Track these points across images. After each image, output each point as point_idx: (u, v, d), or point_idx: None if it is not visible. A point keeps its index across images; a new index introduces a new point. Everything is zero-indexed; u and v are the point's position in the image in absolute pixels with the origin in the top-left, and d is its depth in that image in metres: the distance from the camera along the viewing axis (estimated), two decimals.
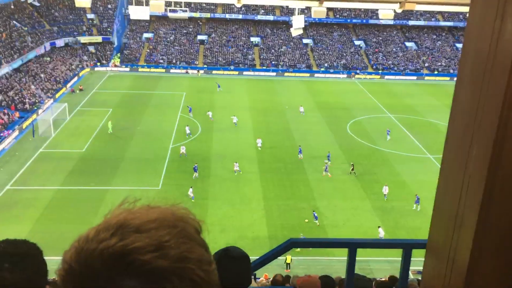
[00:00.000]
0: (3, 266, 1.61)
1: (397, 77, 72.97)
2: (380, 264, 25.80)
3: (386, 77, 72.88)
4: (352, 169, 38.27)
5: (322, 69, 74.11)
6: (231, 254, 2.65)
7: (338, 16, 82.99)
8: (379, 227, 29.94)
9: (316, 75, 72.49)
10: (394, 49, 79.78)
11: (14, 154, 40.76)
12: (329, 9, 69.00)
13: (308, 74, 72.41)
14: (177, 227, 0.90)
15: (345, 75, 72.70)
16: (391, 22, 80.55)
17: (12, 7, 66.64)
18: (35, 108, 50.81)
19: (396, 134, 47.82)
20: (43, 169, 37.77)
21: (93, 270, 0.83)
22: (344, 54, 77.79)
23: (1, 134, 43.37)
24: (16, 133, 44.39)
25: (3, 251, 1.64)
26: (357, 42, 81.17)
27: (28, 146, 42.30)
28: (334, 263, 25.59)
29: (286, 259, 25.27)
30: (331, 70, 73.64)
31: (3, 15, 63.46)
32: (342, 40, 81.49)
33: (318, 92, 63.21)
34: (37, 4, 72.37)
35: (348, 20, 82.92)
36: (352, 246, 2.93)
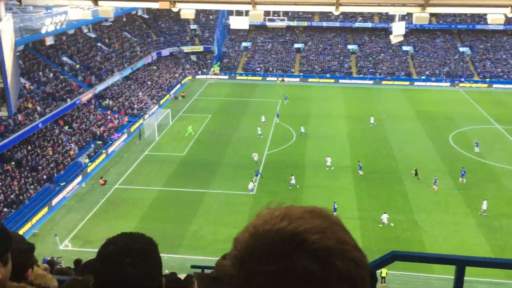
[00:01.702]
0: (125, 261, 1.61)
1: (508, 86, 67.72)
2: (484, 285, 24.13)
3: (495, 85, 68.00)
4: (416, 174, 37.31)
5: (423, 77, 71.03)
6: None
7: (441, 21, 79.16)
8: (384, 212, 30.96)
9: (416, 83, 69.65)
10: (504, 56, 74.22)
11: (123, 156, 43.90)
12: (432, 14, 66.07)
13: (407, 82, 69.78)
14: (331, 219, 1.03)
15: (448, 84, 69.04)
16: (501, 27, 74.95)
17: (124, 19, 72.03)
18: (142, 113, 54.37)
19: (505, 146, 44.47)
20: (148, 170, 40.24)
21: (271, 248, 0.95)
22: (448, 62, 73.90)
23: (112, 137, 46.97)
24: (125, 136, 47.81)
25: (125, 246, 1.65)
26: (462, 49, 76.72)
27: (135, 149, 45.34)
28: (433, 280, 24.41)
29: (381, 272, 24.51)
30: (433, 78, 70.33)
31: (116, 27, 68.80)
32: (446, 47, 77.51)
33: (418, 101, 60.69)
34: (146, 16, 77.59)
35: (453, 26, 78.71)
36: (461, 263, 2.70)
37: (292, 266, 0.92)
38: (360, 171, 38.57)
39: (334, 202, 32.10)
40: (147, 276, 1.65)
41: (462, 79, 69.55)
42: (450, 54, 75.73)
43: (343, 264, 0.94)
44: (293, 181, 36.80)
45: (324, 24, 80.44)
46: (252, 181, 36.49)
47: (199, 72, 73.48)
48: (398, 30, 42.66)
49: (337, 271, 0.93)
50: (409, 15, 59.37)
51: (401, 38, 48.92)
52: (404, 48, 77.10)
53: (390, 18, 74.22)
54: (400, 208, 33.40)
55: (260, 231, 0.99)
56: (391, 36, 46.64)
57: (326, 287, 0.92)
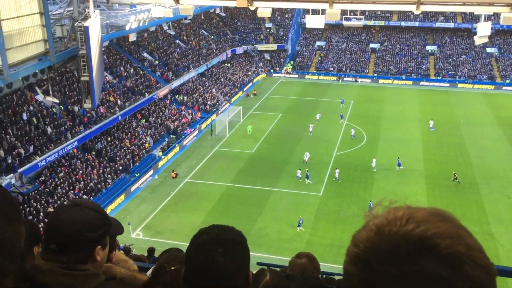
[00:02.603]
0: (217, 251, 1.69)
1: None
2: None
3: None
4: (455, 178, 36.42)
5: (508, 81, 66.82)
6: None
7: None
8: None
9: (500, 87, 65.66)
10: None
11: (194, 150, 45.25)
12: None
13: (490, 86, 65.98)
14: (456, 223, 1.00)
15: None
16: None
17: (202, 17, 74.02)
18: (214, 109, 55.67)
19: None
20: (217, 166, 41.19)
21: (399, 250, 0.93)
22: None
23: (185, 132, 48.53)
24: (197, 131, 49.22)
25: (217, 237, 1.74)
26: None
27: (206, 144, 46.57)
28: None
29: None
30: None
31: (194, 25, 70.88)
32: None
33: (500, 106, 57.24)
34: (223, 14, 79.26)
35: None
36: None
37: (422, 271, 0.90)
38: (398, 167, 39.05)
39: (370, 201, 32.25)
40: (237, 267, 1.72)
41: None
42: None
43: (474, 271, 0.92)
44: (336, 175, 37.46)
45: (403, 23, 77.91)
46: (300, 169, 37.93)
47: (272, 70, 73.92)
48: (483, 31, 40.38)
49: (468, 278, 0.91)
50: (496, 15, 56.06)
51: (486, 40, 46.31)
52: (488, 50, 72.90)
53: (474, 18, 70.44)
54: (475, 218, 31.77)
55: (386, 231, 0.98)
56: (475, 37, 44.25)
57: None
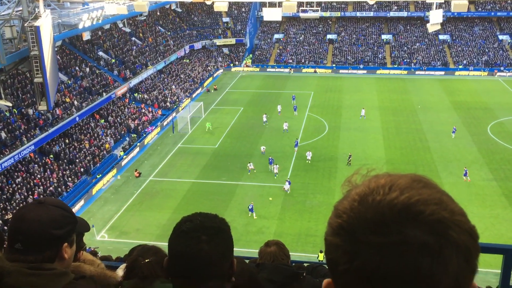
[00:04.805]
0: (201, 238, 1.66)
1: None
2: None
3: None
4: (349, 159, 38.35)
5: (460, 66, 69.06)
6: None
7: (480, 9, 76.60)
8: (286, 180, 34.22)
9: (453, 73, 67.79)
10: None
11: (156, 148, 44.63)
12: (470, 1, 63.99)
13: (443, 72, 68.02)
14: (438, 188, 0.99)
15: (486, 73, 66.92)
16: None
17: (158, 13, 72.87)
18: (175, 106, 55.02)
19: None
20: (181, 162, 40.78)
21: (385, 218, 0.92)
22: (486, 50, 71.56)
23: (146, 130, 47.77)
24: (158, 129, 48.54)
25: (201, 224, 1.71)
26: (501, 37, 74.09)
27: (168, 141, 46.00)
28: None
29: None
30: (471, 68, 68.28)
31: (150, 21, 69.71)
32: (484, 35, 75.04)
33: (454, 91, 59.13)
34: (179, 10, 78.26)
35: (492, 13, 76.03)
36: (509, 253, 2.60)
37: (408, 238, 0.90)
38: (295, 147, 41.33)
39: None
40: (220, 254, 1.69)
41: (502, 68, 67.26)
42: (489, 43, 73.32)
43: (459, 235, 0.92)
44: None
45: (358, 14, 79.16)
46: (251, 163, 38.48)
47: (231, 65, 73.69)
48: (435, 18, 41.51)
49: (454, 243, 0.91)
50: (447, 2, 57.71)
51: (438, 27, 47.61)
52: (441, 37, 75.09)
53: (426, 7, 72.36)
54: None
55: (369, 200, 0.96)
56: (428, 25, 45.40)
57: (442, 260, 0.89)
